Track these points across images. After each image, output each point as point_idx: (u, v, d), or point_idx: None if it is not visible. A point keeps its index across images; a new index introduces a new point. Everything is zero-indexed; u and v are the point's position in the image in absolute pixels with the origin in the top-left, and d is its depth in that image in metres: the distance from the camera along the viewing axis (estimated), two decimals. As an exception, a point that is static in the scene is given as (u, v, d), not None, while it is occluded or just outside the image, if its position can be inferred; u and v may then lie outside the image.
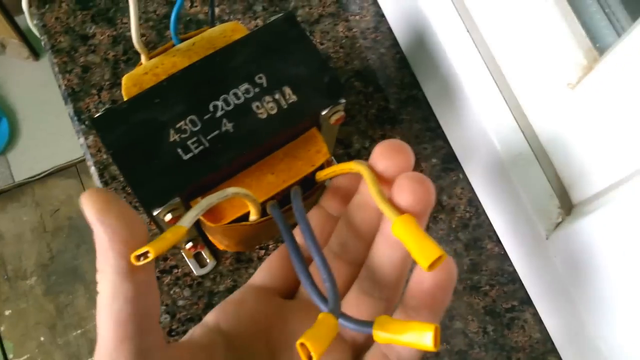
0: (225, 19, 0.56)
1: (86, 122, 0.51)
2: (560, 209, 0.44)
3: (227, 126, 0.34)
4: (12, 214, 1.50)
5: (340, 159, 0.53)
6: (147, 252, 0.22)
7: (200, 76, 0.36)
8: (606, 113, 0.38)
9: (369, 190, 0.27)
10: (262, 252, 0.49)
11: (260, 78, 0.36)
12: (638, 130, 0.35)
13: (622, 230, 0.37)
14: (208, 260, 0.48)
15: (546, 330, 0.50)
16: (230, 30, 0.41)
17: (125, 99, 0.37)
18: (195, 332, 0.28)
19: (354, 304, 0.28)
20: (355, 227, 0.30)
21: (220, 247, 0.47)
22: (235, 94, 0.35)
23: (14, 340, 1.39)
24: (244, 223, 0.36)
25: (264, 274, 0.32)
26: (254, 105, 0.35)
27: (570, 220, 0.43)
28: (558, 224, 0.44)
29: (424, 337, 0.23)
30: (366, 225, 0.29)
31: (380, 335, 0.24)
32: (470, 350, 0.49)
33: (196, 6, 0.56)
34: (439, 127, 0.55)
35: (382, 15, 0.59)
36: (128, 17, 0.40)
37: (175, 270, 0.48)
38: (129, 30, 0.53)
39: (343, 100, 0.36)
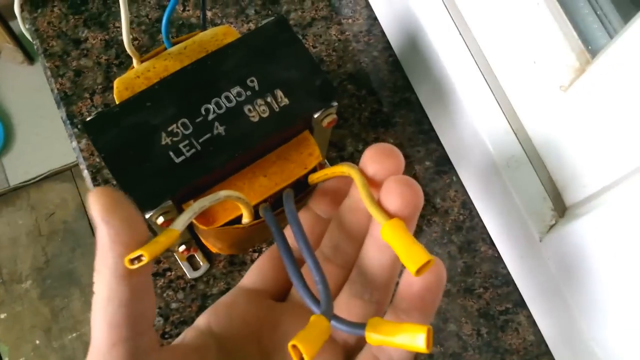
0: (218, 22, 0.56)
1: (79, 126, 0.51)
2: (553, 211, 0.44)
3: (219, 129, 0.34)
4: (8, 218, 1.49)
5: (333, 162, 0.53)
6: (141, 256, 0.22)
7: (192, 79, 0.36)
8: (599, 115, 0.38)
9: (359, 193, 0.27)
10: (255, 254, 0.49)
11: (252, 81, 0.36)
12: (630, 133, 0.36)
13: (615, 232, 0.37)
14: (201, 263, 0.48)
15: (540, 333, 0.50)
16: (221, 33, 0.41)
17: (117, 102, 0.37)
18: (187, 334, 0.28)
19: (344, 306, 0.28)
20: (346, 230, 0.30)
21: (214, 250, 0.47)
22: (227, 97, 0.35)
23: (10, 343, 1.38)
24: (236, 226, 0.36)
25: (254, 276, 0.31)
26: (246, 108, 0.35)
27: (563, 223, 0.43)
28: (551, 227, 0.44)
29: (417, 338, 0.23)
30: (357, 229, 0.29)
31: (372, 337, 0.24)
32: (464, 353, 0.49)
33: (188, 10, 0.56)
34: (432, 129, 0.55)
35: (375, 19, 0.59)
36: (120, 21, 0.40)
37: (169, 273, 0.48)
38: (121, 34, 0.53)
39: (335, 103, 0.36)
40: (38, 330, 1.39)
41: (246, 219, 0.35)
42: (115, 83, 0.39)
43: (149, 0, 0.56)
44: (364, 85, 0.56)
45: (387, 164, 0.28)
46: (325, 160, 0.52)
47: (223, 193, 0.29)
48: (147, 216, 0.33)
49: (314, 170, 0.37)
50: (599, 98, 0.38)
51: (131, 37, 0.51)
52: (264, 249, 0.49)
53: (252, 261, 0.49)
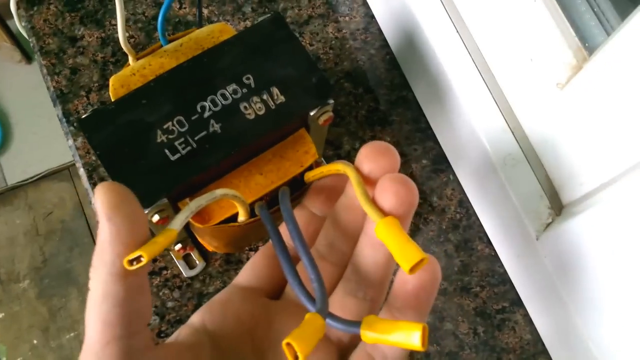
0: (215, 20, 0.56)
1: (75, 124, 0.51)
2: (550, 209, 0.44)
3: (215, 127, 0.34)
4: (5, 217, 1.49)
5: (330, 160, 0.52)
6: (140, 257, 0.22)
7: (187, 77, 0.35)
8: (595, 113, 0.38)
9: (354, 191, 0.27)
10: (252, 253, 0.49)
11: (248, 79, 0.36)
12: (627, 130, 0.35)
13: (612, 231, 0.37)
14: (197, 262, 0.48)
15: (537, 331, 0.50)
16: (217, 31, 0.41)
17: (112, 100, 0.37)
18: (181, 332, 0.28)
19: (338, 304, 0.28)
20: (341, 228, 0.30)
21: (210, 248, 0.47)
22: (223, 95, 0.35)
23: (7, 343, 1.38)
24: (232, 224, 0.36)
25: (248, 273, 0.31)
26: (242, 105, 0.35)
27: (560, 221, 0.43)
28: (548, 225, 0.44)
29: (412, 336, 0.23)
30: (352, 227, 0.29)
31: (368, 335, 0.24)
32: (461, 352, 0.49)
33: (185, 7, 0.56)
34: (429, 128, 0.55)
35: (372, 17, 0.58)
36: (116, 18, 0.39)
37: (165, 272, 0.48)
38: (117, 32, 0.53)
39: (331, 101, 0.36)
40: (36, 330, 1.39)
41: (242, 217, 0.35)
42: (111, 80, 0.38)
43: (146, -2, 0.56)
44: (361, 83, 0.56)
45: (383, 162, 0.27)
46: (322, 158, 0.52)
47: (219, 191, 0.29)
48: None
49: (310, 168, 0.37)
50: (596, 95, 0.38)
51: (127, 34, 0.51)
52: (260, 247, 0.49)
53: (248, 260, 0.49)
